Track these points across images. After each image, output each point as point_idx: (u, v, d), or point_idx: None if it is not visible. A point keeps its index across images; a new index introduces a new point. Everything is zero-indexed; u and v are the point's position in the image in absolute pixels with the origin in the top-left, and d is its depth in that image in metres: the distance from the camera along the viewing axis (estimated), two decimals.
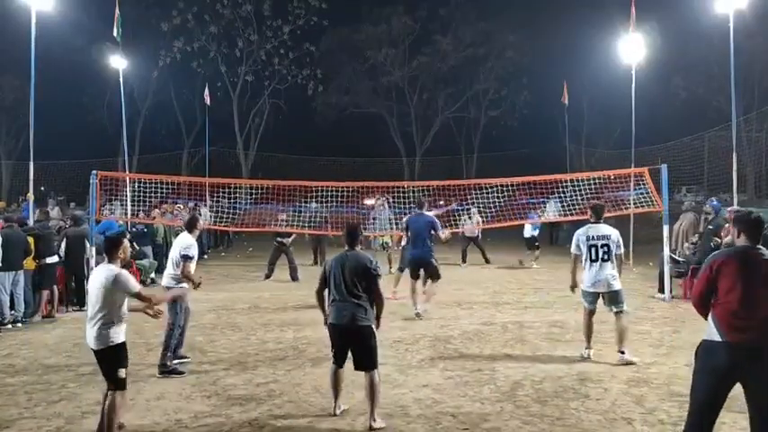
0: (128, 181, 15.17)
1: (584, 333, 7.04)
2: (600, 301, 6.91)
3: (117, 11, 15.61)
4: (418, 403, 5.55)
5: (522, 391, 5.86)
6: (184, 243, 6.76)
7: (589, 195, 12.45)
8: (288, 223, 13.71)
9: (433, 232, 9.64)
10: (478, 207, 14.79)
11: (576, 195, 12.50)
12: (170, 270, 6.77)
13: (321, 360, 7.00)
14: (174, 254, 6.76)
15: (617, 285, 6.78)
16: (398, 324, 8.90)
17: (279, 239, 13.60)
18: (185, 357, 6.92)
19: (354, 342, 5.21)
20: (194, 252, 6.79)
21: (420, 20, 37.30)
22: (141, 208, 14.24)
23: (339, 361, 5.33)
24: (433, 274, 9.62)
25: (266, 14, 34.84)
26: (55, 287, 9.80)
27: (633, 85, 15.41)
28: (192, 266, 6.73)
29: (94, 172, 10.75)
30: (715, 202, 11.17)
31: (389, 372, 6.50)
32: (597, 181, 12.65)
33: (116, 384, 4.62)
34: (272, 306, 10.50)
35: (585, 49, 32.18)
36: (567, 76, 28.09)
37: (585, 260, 6.81)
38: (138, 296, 4.81)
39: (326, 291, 5.37)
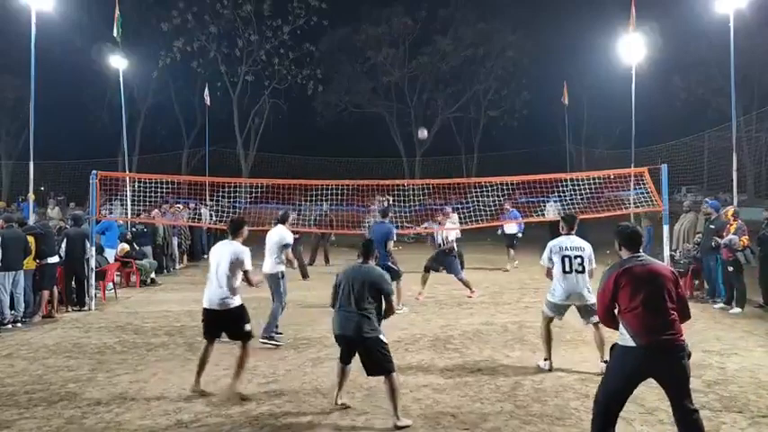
0: (128, 181, 15.17)
1: (544, 341, 6.69)
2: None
3: (117, 11, 15.61)
4: (418, 403, 5.55)
5: (522, 391, 5.86)
6: (282, 232, 8.09)
7: (589, 195, 12.44)
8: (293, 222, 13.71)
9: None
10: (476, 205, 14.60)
11: (575, 195, 12.49)
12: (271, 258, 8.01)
13: (321, 360, 7.00)
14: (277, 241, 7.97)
15: (591, 298, 6.34)
16: (398, 324, 8.90)
17: None
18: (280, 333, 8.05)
19: (362, 352, 5.24)
20: (290, 240, 8.22)
21: (420, 20, 37.33)
22: (141, 208, 14.23)
23: (345, 360, 5.40)
24: (393, 276, 9.71)
25: (266, 14, 34.84)
26: (55, 287, 9.80)
27: (633, 85, 15.42)
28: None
29: (94, 172, 10.73)
30: (713, 202, 11.17)
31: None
32: (597, 181, 12.65)
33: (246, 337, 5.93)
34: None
35: (585, 49, 32.26)
36: (567, 76, 28.17)
37: (559, 272, 6.52)
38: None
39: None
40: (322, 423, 5.11)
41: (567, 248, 6.55)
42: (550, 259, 6.59)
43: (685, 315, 4.18)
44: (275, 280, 8.00)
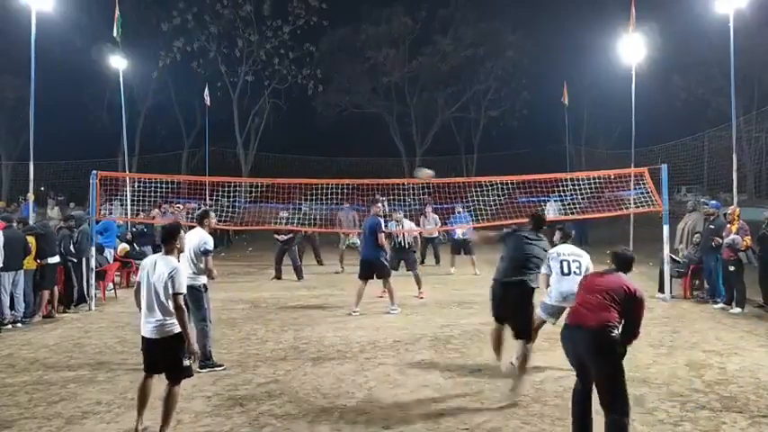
0: (128, 181, 15.17)
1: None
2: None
3: (117, 11, 15.62)
4: (418, 403, 5.55)
5: (521, 391, 5.86)
6: (202, 238, 6.69)
7: (589, 195, 12.44)
8: (288, 221, 13.71)
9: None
10: (468, 206, 14.55)
11: (576, 195, 12.49)
12: (189, 271, 6.46)
13: (321, 360, 7.01)
14: (189, 251, 6.56)
15: None
16: (398, 324, 8.91)
17: (276, 237, 13.62)
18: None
19: None
20: (210, 245, 6.74)
21: (420, 20, 37.31)
22: (141, 208, 14.23)
23: None
24: (385, 274, 9.91)
25: (266, 14, 34.82)
26: (55, 287, 9.79)
27: (633, 85, 15.42)
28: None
29: (94, 172, 10.74)
30: (713, 202, 11.18)
31: (389, 372, 6.51)
32: (597, 181, 12.65)
33: None
34: (272, 306, 10.50)
35: (585, 49, 32.20)
36: (567, 76, 28.14)
37: (557, 274, 6.58)
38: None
39: None
40: (322, 423, 5.11)
41: (564, 254, 6.67)
42: (548, 267, 6.63)
43: (628, 334, 4.41)
44: (195, 294, 6.52)
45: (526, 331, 5.85)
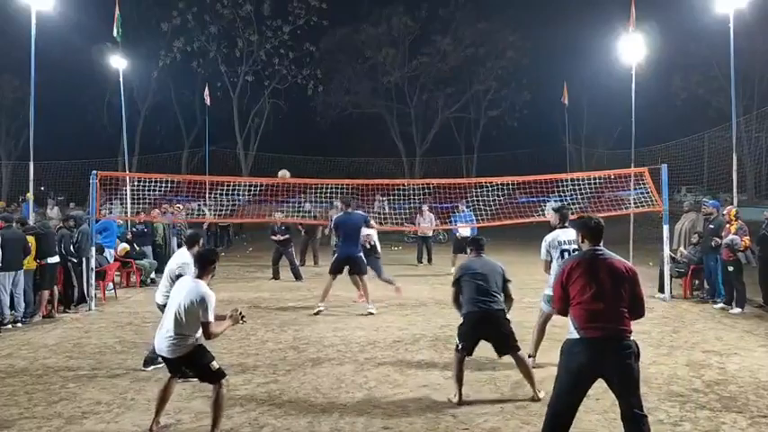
0: (128, 181, 15.16)
1: (535, 339, 6.74)
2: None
3: (117, 11, 15.61)
4: (418, 403, 5.55)
5: (522, 391, 5.86)
6: (181, 260, 6.24)
7: (589, 195, 12.44)
8: (285, 220, 13.71)
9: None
10: (472, 205, 14.52)
11: (576, 195, 12.49)
12: (164, 288, 6.25)
13: (321, 360, 7.00)
14: (170, 270, 6.25)
15: None
16: (398, 324, 8.91)
17: (273, 238, 13.63)
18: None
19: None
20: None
21: (420, 20, 37.32)
22: (141, 207, 14.23)
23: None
24: (360, 270, 9.89)
25: (266, 14, 34.86)
26: (55, 287, 9.79)
27: (633, 85, 15.40)
28: None
29: (94, 172, 10.73)
30: (714, 202, 11.17)
31: (389, 372, 6.50)
32: (597, 181, 12.65)
33: None
34: (272, 306, 10.50)
35: (585, 49, 32.25)
36: (566, 76, 28.11)
37: (557, 265, 6.50)
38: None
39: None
40: (322, 423, 5.11)
41: (564, 242, 6.60)
42: (548, 253, 6.67)
43: (637, 313, 4.06)
44: None
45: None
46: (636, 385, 3.91)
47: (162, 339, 4.79)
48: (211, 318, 4.68)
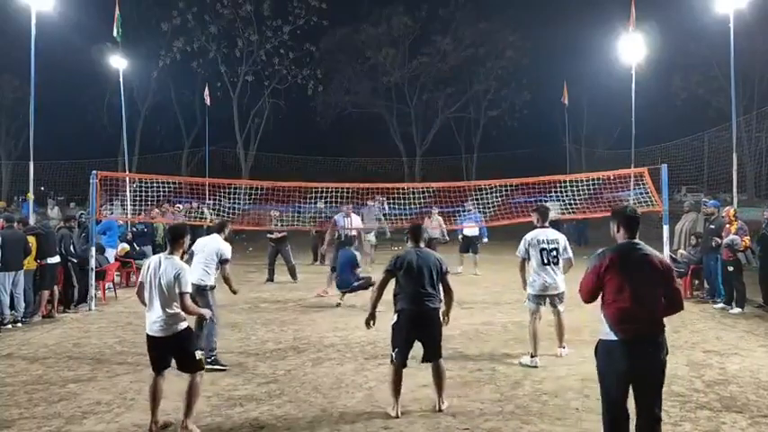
0: (128, 181, 15.16)
1: (531, 339, 6.71)
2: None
3: (117, 11, 15.62)
4: (418, 403, 5.55)
5: (521, 390, 5.86)
6: (220, 247, 6.80)
7: (589, 195, 12.44)
8: (282, 222, 13.67)
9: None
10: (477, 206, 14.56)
11: (575, 195, 12.49)
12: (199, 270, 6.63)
13: (321, 360, 7.00)
14: (204, 255, 6.73)
15: (563, 287, 6.81)
16: None
17: (269, 236, 13.59)
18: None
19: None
20: (229, 254, 6.90)
21: (420, 20, 37.34)
22: (141, 207, 14.23)
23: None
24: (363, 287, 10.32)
25: (266, 14, 34.85)
26: (55, 287, 9.80)
27: (633, 85, 15.42)
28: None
29: (94, 172, 10.73)
30: (713, 201, 11.17)
31: (389, 372, 6.49)
32: (597, 181, 12.65)
33: None
34: (272, 306, 10.50)
35: (585, 49, 32.26)
36: (566, 76, 28.16)
37: (538, 264, 6.71)
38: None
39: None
40: (322, 423, 5.11)
41: (544, 242, 6.74)
42: (527, 251, 6.78)
43: (676, 307, 3.98)
44: (202, 293, 6.57)
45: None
46: (662, 384, 3.92)
47: (153, 320, 4.89)
48: (187, 289, 4.88)
